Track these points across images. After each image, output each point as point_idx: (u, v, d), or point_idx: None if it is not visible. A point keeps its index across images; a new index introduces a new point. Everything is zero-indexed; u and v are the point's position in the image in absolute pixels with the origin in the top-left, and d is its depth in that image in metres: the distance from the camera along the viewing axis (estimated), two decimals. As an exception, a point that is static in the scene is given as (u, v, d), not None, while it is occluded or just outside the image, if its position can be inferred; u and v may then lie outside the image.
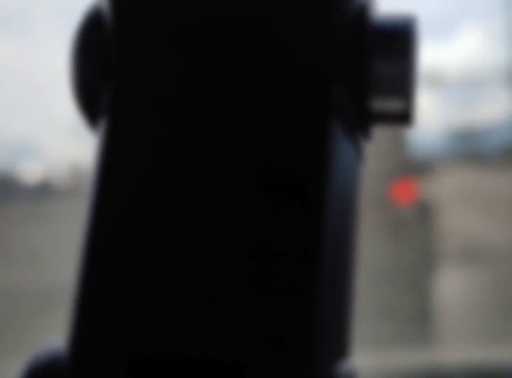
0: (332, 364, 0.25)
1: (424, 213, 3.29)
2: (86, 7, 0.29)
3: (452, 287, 3.48)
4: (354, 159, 0.28)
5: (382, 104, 0.28)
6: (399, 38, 0.27)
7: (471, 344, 2.52)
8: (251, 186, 0.26)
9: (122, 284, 0.25)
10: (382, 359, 2.02)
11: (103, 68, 0.28)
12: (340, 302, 0.26)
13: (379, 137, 0.31)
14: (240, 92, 0.27)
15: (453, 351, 2.37)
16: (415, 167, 3.50)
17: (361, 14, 0.27)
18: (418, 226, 3.21)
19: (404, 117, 0.28)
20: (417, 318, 2.86)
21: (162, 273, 0.25)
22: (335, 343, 0.26)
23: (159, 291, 0.25)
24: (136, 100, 0.27)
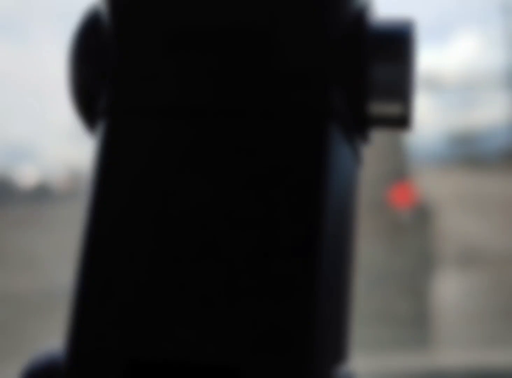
0: (330, 368, 0.25)
1: (423, 216, 3.29)
2: (84, 10, 0.29)
3: (452, 291, 3.49)
4: (352, 163, 0.28)
5: (380, 108, 0.28)
6: (397, 42, 0.27)
7: (470, 347, 2.52)
8: (249, 190, 0.26)
9: (119, 288, 0.25)
10: (381, 362, 2.02)
11: (101, 72, 0.28)
12: (338, 306, 0.26)
13: (377, 141, 0.31)
14: (237, 98, 0.27)
15: (452, 355, 2.37)
16: (414, 171, 3.50)
17: (359, 18, 0.27)
18: (416, 229, 3.21)
19: (402, 121, 0.28)
20: (416, 322, 2.86)
21: (159, 277, 0.25)
22: (333, 347, 0.26)
23: (156, 295, 0.25)
24: (134, 104, 0.27)
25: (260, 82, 0.27)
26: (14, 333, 2.86)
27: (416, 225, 3.20)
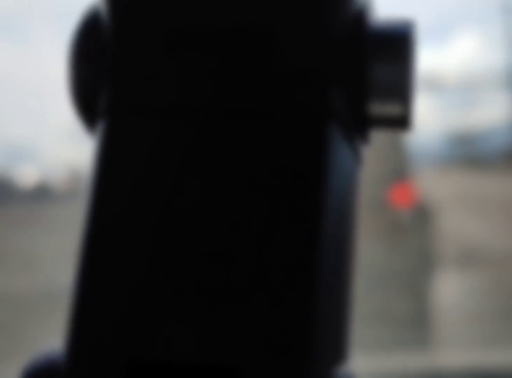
0: (329, 368, 0.25)
1: (423, 216, 3.29)
2: (84, 10, 0.29)
3: (451, 291, 3.49)
4: (352, 163, 0.28)
5: (380, 108, 0.27)
6: (397, 42, 0.27)
7: (470, 347, 2.52)
8: (249, 190, 0.26)
9: (119, 288, 0.25)
10: (381, 363, 2.02)
11: (101, 71, 0.28)
12: (337, 306, 0.26)
13: (377, 141, 0.31)
14: (237, 98, 0.27)
15: (452, 355, 2.37)
16: (414, 171, 3.50)
17: (359, 19, 0.27)
18: (416, 229, 3.21)
19: (402, 121, 0.28)
20: (415, 322, 2.86)
21: (159, 277, 0.25)
22: (333, 347, 0.26)
23: (156, 295, 0.25)
24: (134, 104, 0.27)
25: (260, 82, 0.27)
26: (14, 333, 2.86)
27: (416, 225, 3.20)
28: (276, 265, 0.25)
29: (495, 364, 1.89)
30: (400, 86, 0.27)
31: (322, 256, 0.25)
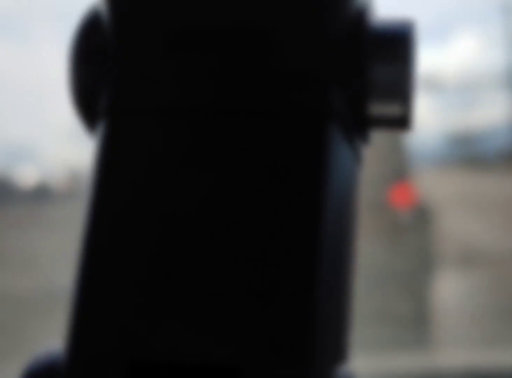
0: (329, 368, 0.25)
1: (423, 216, 3.30)
2: (85, 10, 0.29)
3: (451, 291, 3.49)
4: (352, 163, 0.28)
5: (380, 108, 0.28)
6: (397, 43, 0.27)
7: (470, 347, 2.52)
8: (249, 190, 0.26)
9: (120, 288, 0.25)
10: (381, 363, 2.02)
11: (101, 72, 0.28)
12: (338, 306, 0.26)
13: (377, 141, 0.31)
14: (238, 98, 0.27)
15: (452, 355, 2.37)
16: (413, 171, 3.50)
17: (359, 19, 0.27)
18: (416, 229, 3.21)
19: (402, 121, 0.28)
20: (416, 322, 2.86)
21: (159, 277, 0.25)
22: (333, 347, 0.26)
23: (156, 295, 0.25)
24: (134, 104, 0.27)
25: (260, 82, 0.27)
26: (14, 333, 2.86)
27: (416, 225, 3.21)
28: (276, 265, 0.25)
29: (495, 364, 1.89)
30: (400, 86, 0.27)
31: (322, 256, 0.25)
